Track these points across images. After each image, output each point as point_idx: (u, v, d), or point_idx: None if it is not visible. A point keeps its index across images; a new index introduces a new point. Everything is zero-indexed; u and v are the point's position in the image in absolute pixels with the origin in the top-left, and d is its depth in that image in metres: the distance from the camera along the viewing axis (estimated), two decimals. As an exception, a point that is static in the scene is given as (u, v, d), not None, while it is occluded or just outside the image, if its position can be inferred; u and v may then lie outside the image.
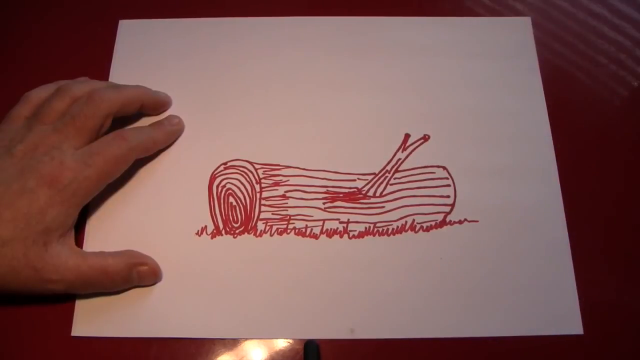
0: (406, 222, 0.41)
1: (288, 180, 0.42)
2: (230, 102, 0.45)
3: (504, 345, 0.38)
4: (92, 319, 0.38)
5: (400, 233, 0.41)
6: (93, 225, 0.41)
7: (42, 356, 0.38)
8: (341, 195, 0.42)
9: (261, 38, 0.47)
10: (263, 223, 0.41)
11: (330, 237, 0.41)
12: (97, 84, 0.42)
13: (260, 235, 0.41)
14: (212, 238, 0.41)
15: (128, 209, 0.41)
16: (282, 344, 0.38)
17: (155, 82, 0.45)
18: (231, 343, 0.38)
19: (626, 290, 0.39)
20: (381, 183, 0.42)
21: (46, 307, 0.38)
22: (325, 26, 0.48)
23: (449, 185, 0.42)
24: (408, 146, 0.43)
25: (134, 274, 0.38)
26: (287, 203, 0.42)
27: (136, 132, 0.42)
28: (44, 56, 0.48)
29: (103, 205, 0.41)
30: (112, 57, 0.47)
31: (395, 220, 0.41)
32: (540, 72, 0.46)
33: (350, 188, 0.42)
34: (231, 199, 0.42)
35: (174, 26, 0.48)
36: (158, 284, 0.39)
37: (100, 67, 0.46)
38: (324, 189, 0.42)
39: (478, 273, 0.39)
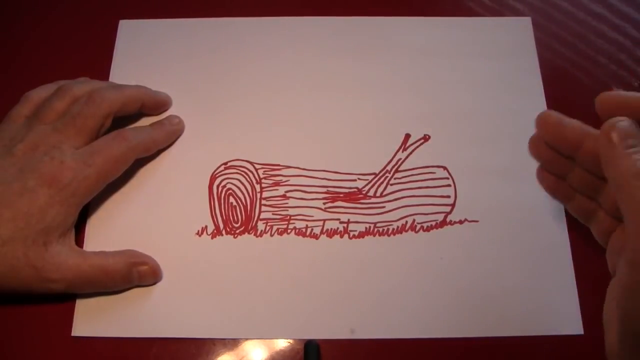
0: (406, 222, 0.41)
1: (288, 180, 0.42)
2: (230, 102, 0.45)
3: (504, 345, 0.38)
4: (92, 319, 0.38)
5: (401, 233, 0.41)
6: (93, 225, 0.41)
7: (42, 356, 0.38)
8: (341, 195, 0.42)
9: (261, 38, 0.47)
10: (263, 223, 0.41)
11: (330, 237, 0.41)
12: (97, 84, 0.42)
13: (261, 235, 0.41)
14: (212, 238, 0.41)
15: (128, 209, 0.41)
16: (282, 344, 0.38)
17: (155, 82, 0.45)
18: (231, 343, 0.38)
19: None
20: (381, 183, 0.42)
21: (46, 307, 0.38)
22: (325, 26, 0.48)
23: (449, 185, 0.42)
24: (408, 146, 0.43)
25: (134, 274, 0.38)
26: (287, 203, 0.42)
27: (136, 131, 0.42)
28: (44, 56, 0.48)
29: (103, 205, 0.41)
30: (112, 57, 0.47)
31: (395, 220, 0.41)
32: (540, 72, 0.46)
33: (350, 188, 0.42)
34: (231, 199, 0.42)
35: (174, 26, 0.48)
36: (158, 284, 0.39)
37: (100, 67, 0.46)
38: (324, 189, 0.42)
39: (478, 273, 0.39)
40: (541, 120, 0.33)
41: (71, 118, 0.39)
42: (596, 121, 0.45)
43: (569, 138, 0.32)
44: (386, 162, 0.43)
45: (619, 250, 0.31)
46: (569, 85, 0.46)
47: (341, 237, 0.41)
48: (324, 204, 0.42)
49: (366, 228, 0.41)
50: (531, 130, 0.44)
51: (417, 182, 0.42)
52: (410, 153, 0.43)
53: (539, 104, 0.45)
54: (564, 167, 0.33)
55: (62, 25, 0.49)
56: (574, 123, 0.32)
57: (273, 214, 0.41)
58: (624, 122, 0.28)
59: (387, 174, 0.42)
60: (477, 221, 0.41)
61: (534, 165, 0.36)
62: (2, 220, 0.35)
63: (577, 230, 0.41)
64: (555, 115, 0.32)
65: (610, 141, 0.28)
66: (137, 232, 0.41)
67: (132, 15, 0.49)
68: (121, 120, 0.42)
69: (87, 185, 0.38)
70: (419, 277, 0.39)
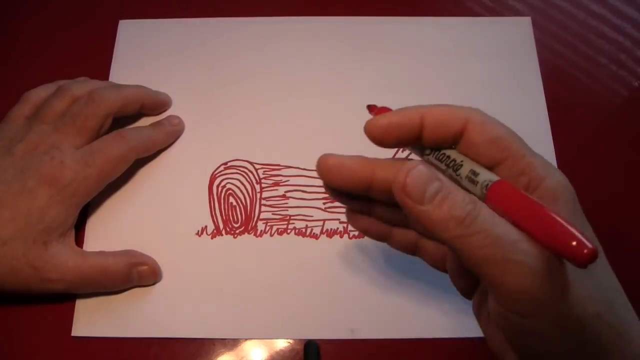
0: (406, 222, 0.41)
1: (288, 180, 0.42)
2: (230, 102, 0.45)
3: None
4: (92, 319, 0.38)
5: (401, 233, 0.41)
6: (93, 225, 0.41)
7: (42, 356, 0.38)
8: (341, 195, 0.42)
9: (261, 38, 0.47)
10: (263, 223, 0.41)
11: (330, 237, 0.41)
12: (97, 83, 0.42)
13: (261, 235, 0.41)
14: (212, 238, 0.41)
15: (128, 209, 0.41)
16: (282, 344, 0.38)
17: (155, 82, 0.45)
18: (231, 343, 0.38)
19: (626, 291, 0.39)
20: (381, 183, 0.42)
21: (46, 307, 0.38)
22: (325, 26, 0.48)
23: (449, 185, 0.42)
24: (408, 146, 0.43)
25: (134, 274, 0.38)
26: (287, 203, 0.42)
27: (136, 132, 0.42)
28: (44, 56, 0.48)
29: (103, 205, 0.41)
30: (112, 57, 0.47)
31: (395, 220, 0.41)
32: (540, 72, 0.46)
33: (350, 188, 0.42)
34: (231, 199, 0.42)
35: (174, 26, 0.48)
36: (158, 284, 0.39)
37: (100, 67, 0.46)
38: (324, 189, 0.42)
39: (478, 273, 0.39)
40: (321, 167, 0.28)
41: (71, 118, 0.39)
42: (598, 122, 0.45)
43: (356, 178, 0.28)
44: (386, 162, 0.43)
45: (459, 275, 0.28)
46: (569, 85, 0.46)
47: (341, 237, 0.41)
48: (324, 204, 0.42)
49: (366, 228, 0.41)
50: (531, 130, 0.44)
51: (417, 182, 0.42)
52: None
53: (539, 104, 0.45)
54: (367, 205, 0.30)
55: (62, 25, 0.49)
56: (355, 159, 0.28)
57: (273, 214, 0.41)
58: (415, 168, 0.24)
59: (387, 174, 0.42)
60: (477, 221, 0.41)
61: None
62: (2, 221, 0.35)
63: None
64: (334, 157, 0.28)
65: (411, 196, 0.24)
66: (137, 232, 0.41)
67: (132, 15, 0.49)
68: (121, 120, 0.42)
69: (87, 185, 0.38)
70: (419, 277, 0.39)
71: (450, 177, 0.26)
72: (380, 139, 0.28)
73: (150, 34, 0.48)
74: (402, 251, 0.31)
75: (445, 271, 0.30)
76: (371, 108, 0.30)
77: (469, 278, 0.28)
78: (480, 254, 0.23)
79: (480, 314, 0.28)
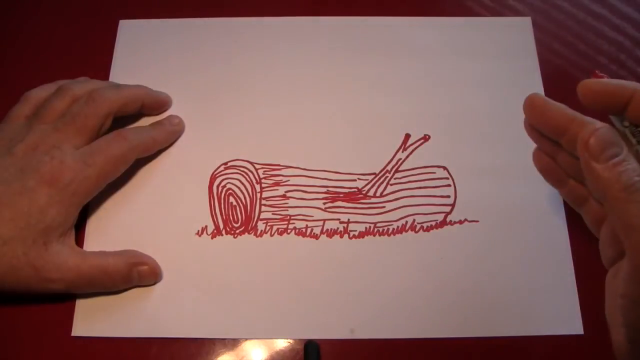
0: (406, 222, 0.41)
1: (288, 180, 0.42)
2: (230, 102, 0.45)
3: (504, 345, 0.38)
4: (92, 319, 0.38)
5: (401, 233, 0.41)
6: (93, 225, 0.41)
7: (42, 356, 0.38)
8: (341, 195, 0.42)
9: (261, 38, 0.47)
10: (263, 223, 0.41)
11: (330, 237, 0.41)
12: (97, 83, 0.42)
13: (261, 235, 0.41)
14: (212, 238, 0.41)
15: (128, 209, 0.41)
16: (282, 344, 0.38)
17: (155, 82, 0.45)
18: (231, 343, 0.38)
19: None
20: (381, 183, 0.42)
21: (46, 307, 0.38)
22: (326, 26, 0.48)
23: (449, 185, 0.42)
24: (408, 146, 0.43)
25: (134, 274, 0.38)
26: (287, 203, 0.42)
27: (136, 131, 0.42)
28: (44, 56, 0.48)
29: (103, 205, 0.41)
30: (112, 57, 0.47)
31: (395, 220, 0.41)
32: (540, 72, 0.46)
33: (350, 188, 0.42)
34: (231, 199, 0.42)
35: (174, 26, 0.48)
36: (158, 284, 0.39)
37: (100, 67, 0.46)
38: (324, 189, 0.42)
39: (478, 273, 0.39)
40: (527, 103, 0.32)
41: (71, 118, 0.39)
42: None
43: (554, 123, 0.31)
44: (386, 162, 0.43)
45: (610, 242, 0.31)
46: (569, 85, 0.46)
47: (341, 237, 0.41)
48: (324, 204, 0.42)
49: (366, 228, 0.41)
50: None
51: (417, 182, 0.42)
52: (410, 153, 0.43)
53: (539, 104, 0.45)
54: (554, 150, 0.33)
55: (62, 25, 0.49)
56: (559, 107, 0.31)
57: (273, 214, 0.41)
58: (602, 129, 0.28)
59: (387, 174, 0.42)
60: (477, 221, 0.41)
61: (533, 165, 0.36)
62: (2, 220, 0.35)
63: (577, 230, 0.41)
64: (542, 98, 0.31)
65: (590, 151, 0.27)
66: (137, 232, 0.41)
67: (132, 15, 0.49)
68: (121, 120, 0.42)
69: (88, 185, 0.38)
70: (419, 277, 0.39)
71: (637, 153, 0.29)
72: (587, 101, 0.30)
73: (150, 34, 0.48)
74: (569, 201, 0.35)
75: (598, 235, 0.32)
76: (594, 74, 0.34)
77: (616, 248, 0.30)
78: (631, 222, 0.25)
79: (610, 285, 0.30)
